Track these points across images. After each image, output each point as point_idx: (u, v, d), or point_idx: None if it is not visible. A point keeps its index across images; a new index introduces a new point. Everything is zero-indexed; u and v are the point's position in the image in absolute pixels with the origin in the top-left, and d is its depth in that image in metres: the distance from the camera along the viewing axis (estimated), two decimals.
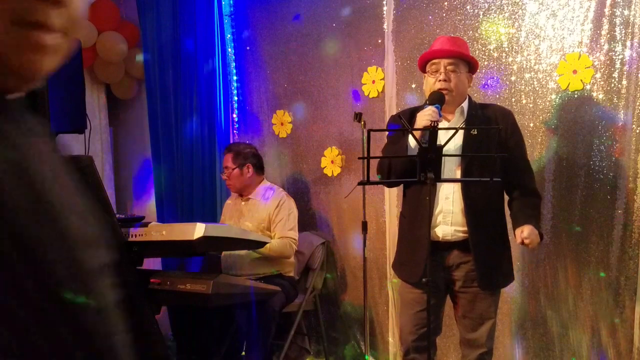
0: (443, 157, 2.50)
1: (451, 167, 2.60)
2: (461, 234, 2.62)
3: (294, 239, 3.71)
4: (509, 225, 2.73)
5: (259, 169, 3.90)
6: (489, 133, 2.55)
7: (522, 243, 2.54)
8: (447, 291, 2.76)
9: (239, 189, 3.87)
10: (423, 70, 2.72)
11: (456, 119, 2.66)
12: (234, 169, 3.80)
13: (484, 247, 2.61)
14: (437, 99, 2.54)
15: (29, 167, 0.73)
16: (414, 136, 2.42)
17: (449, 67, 2.60)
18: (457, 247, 2.64)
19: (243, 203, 3.87)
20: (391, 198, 3.67)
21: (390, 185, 2.90)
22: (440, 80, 2.58)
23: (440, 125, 2.48)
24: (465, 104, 2.68)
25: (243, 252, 3.64)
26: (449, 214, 2.62)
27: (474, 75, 2.76)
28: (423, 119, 2.43)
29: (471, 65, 2.68)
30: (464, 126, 2.56)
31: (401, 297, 2.84)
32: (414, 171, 2.40)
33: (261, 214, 3.76)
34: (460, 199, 2.60)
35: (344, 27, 3.95)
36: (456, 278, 2.68)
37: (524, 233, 2.52)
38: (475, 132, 2.59)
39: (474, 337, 2.70)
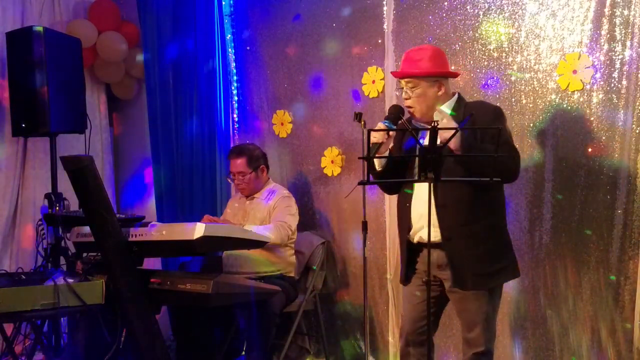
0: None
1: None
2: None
3: (289, 225, 3.67)
4: (509, 223, 2.76)
5: (268, 168, 3.91)
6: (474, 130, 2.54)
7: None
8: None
9: (253, 191, 3.85)
10: None
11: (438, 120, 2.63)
12: (250, 173, 3.78)
13: (457, 246, 2.59)
14: (394, 112, 2.66)
15: None
16: (414, 136, 2.42)
17: (408, 85, 2.65)
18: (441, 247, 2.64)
19: (248, 202, 3.87)
20: (391, 198, 3.67)
21: (390, 188, 2.91)
22: (405, 98, 2.68)
23: (423, 131, 2.51)
24: (445, 106, 2.64)
25: (243, 251, 3.64)
26: (425, 215, 2.55)
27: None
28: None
29: (438, 74, 2.64)
30: (464, 126, 2.55)
31: (403, 291, 2.90)
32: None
33: (263, 213, 3.76)
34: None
35: (344, 27, 3.95)
36: (444, 278, 2.69)
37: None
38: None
39: (470, 336, 2.69)
